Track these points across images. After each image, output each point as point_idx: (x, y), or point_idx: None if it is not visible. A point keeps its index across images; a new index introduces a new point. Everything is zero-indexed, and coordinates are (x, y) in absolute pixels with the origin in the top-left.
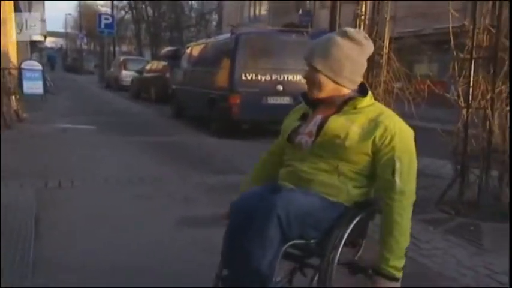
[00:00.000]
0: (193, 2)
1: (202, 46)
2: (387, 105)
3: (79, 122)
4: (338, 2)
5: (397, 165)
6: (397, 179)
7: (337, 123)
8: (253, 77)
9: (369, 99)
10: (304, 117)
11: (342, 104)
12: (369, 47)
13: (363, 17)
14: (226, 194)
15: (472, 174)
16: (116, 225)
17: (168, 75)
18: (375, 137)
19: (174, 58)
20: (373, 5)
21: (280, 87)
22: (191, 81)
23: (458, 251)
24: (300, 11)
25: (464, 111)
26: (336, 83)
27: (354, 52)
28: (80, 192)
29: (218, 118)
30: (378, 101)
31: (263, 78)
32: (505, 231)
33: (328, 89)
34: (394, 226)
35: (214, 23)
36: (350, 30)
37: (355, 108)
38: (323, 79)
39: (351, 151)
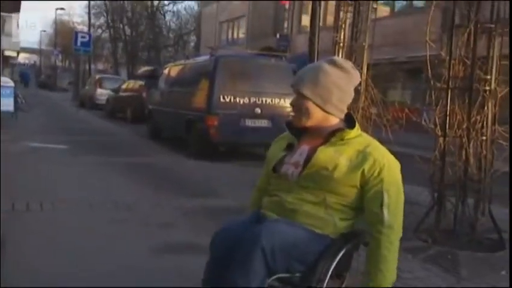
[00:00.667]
0: (171, 23)
1: (180, 67)
2: (365, 130)
3: (51, 141)
4: (317, 28)
5: (385, 198)
6: (385, 212)
7: (325, 154)
8: (232, 99)
9: (356, 130)
10: (289, 147)
11: (329, 135)
12: (356, 77)
13: (341, 44)
14: (203, 219)
15: (448, 203)
16: (86, 251)
17: (144, 95)
18: (363, 169)
19: (151, 78)
20: (351, 32)
21: (259, 110)
22: (168, 102)
23: (437, 280)
24: (278, 36)
25: (441, 140)
26: (324, 110)
27: (342, 81)
28: (49, 216)
29: (195, 140)
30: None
31: (241, 101)
32: (482, 260)
33: (316, 117)
34: (381, 260)
35: (192, 44)
36: (338, 59)
37: (342, 139)
38: (311, 107)
39: (339, 183)
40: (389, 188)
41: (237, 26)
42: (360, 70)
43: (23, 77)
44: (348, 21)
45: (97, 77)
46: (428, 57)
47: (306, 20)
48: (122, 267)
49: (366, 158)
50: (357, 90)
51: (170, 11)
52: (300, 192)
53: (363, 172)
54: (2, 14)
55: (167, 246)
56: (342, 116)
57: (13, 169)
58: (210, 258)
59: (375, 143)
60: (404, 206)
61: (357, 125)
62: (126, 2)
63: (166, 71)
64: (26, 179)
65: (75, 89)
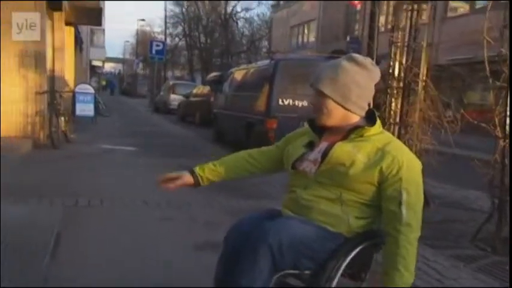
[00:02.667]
0: (244, 29)
1: (243, 71)
2: (423, 133)
3: (122, 144)
4: (376, 30)
5: (404, 196)
6: (404, 210)
7: (342, 150)
8: (291, 102)
9: (377, 127)
10: (310, 145)
11: (349, 132)
12: (376, 73)
13: (399, 44)
14: None
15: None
16: (133, 246)
17: (212, 99)
18: (381, 167)
19: (218, 83)
20: (409, 32)
21: None
22: (231, 106)
23: None
24: (348, 38)
25: (501, 142)
26: (344, 108)
27: (361, 77)
28: (106, 212)
29: (254, 142)
30: (413, 128)
31: (301, 104)
32: None
33: (336, 115)
34: (398, 260)
35: (264, 50)
36: (357, 55)
37: (362, 136)
38: (331, 105)
39: (355, 180)
40: (408, 187)
41: (307, 29)
42: (418, 71)
43: (110, 85)
44: (408, 21)
45: (171, 83)
46: (485, 55)
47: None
48: (164, 263)
49: (385, 155)
50: (415, 91)
51: (243, 18)
52: (316, 188)
53: (380, 170)
54: (91, 27)
55: (208, 244)
56: (363, 113)
57: (82, 169)
58: (221, 253)
59: (396, 142)
60: (461, 212)
61: (379, 122)
62: (201, 11)
63: (230, 76)
64: (91, 178)
65: (151, 95)
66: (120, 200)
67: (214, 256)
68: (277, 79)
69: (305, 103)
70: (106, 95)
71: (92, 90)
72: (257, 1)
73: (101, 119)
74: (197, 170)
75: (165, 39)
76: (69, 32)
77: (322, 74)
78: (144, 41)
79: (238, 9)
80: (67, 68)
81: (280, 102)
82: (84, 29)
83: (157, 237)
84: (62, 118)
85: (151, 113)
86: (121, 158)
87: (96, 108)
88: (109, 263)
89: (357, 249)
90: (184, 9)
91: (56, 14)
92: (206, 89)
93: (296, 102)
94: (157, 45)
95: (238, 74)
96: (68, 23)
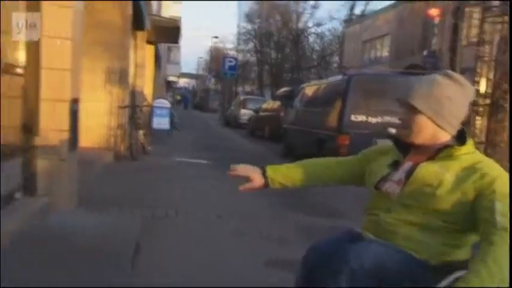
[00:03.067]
0: (315, 44)
1: (314, 87)
2: None
3: (194, 157)
4: (458, 43)
5: (499, 206)
6: (498, 218)
7: (428, 170)
8: (364, 119)
9: (469, 146)
10: (395, 165)
11: (437, 151)
12: (471, 91)
13: (486, 59)
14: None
15: None
16: (206, 260)
17: (281, 114)
18: (473, 184)
19: (289, 98)
20: (498, 46)
21: (393, 130)
22: (301, 121)
23: None
24: (425, 52)
25: None
26: (436, 124)
27: (456, 94)
28: (181, 224)
29: None
30: (502, 148)
31: (374, 120)
32: None
33: (426, 132)
34: (490, 254)
35: (335, 65)
36: (452, 72)
37: (451, 155)
38: (422, 121)
39: (444, 201)
40: (502, 199)
41: (380, 44)
42: (507, 87)
43: (184, 99)
44: (496, 34)
45: (241, 98)
46: None
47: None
48: (236, 278)
49: (476, 171)
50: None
51: (314, 33)
52: (400, 211)
53: (472, 187)
54: (168, 44)
55: (279, 261)
56: (454, 131)
57: (158, 180)
58: (299, 274)
59: (489, 161)
60: None
61: (471, 141)
62: (273, 27)
63: (301, 91)
64: (167, 190)
65: (222, 109)
66: (194, 213)
67: (284, 274)
68: (350, 95)
69: (379, 119)
70: (180, 109)
71: (168, 105)
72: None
73: (176, 133)
74: (269, 171)
75: (237, 54)
76: (150, 49)
77: (414, 89)
78: (217, 57)
79: (310, 24)
80: (146, 84)
81: (353, 118)
82: (162, 46)
83: (230, 251)
84: (141, 131)
85: (222, 126)
86: (194, 171)
87: (171, 122)
88: (183, 276)
89: (448, 280)
90: (256, 26)
91: (139, 34)
92: (276, 104)
93: (369, 119)
94: (230, 61)
95: (309, 90)
96: (148, 42)
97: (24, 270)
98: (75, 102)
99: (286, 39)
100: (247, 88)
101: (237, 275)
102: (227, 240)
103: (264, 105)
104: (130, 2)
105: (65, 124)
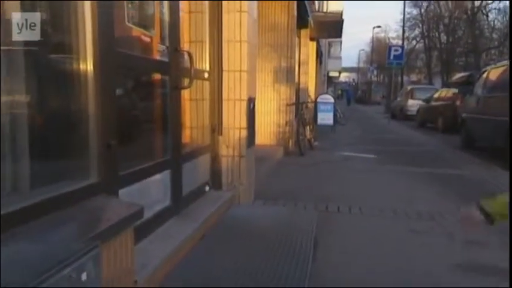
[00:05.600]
0: (495, 22)
1: (502, 69)
2: None
3: (360, 151)
4: None
5: None
6: None
7: None
8: None
9: None
10: None
11: None
12: None
13: None
14: None
15: None
16: (388, 257)
17: (458, 103)
18: None
19: (467, 84)
20: None
21: None
22: (485, 109)
23: None
24: None
25: None
26: None
27: None
28: (356, 219)
29: None
30: None
31: None
32: None
33: None
34: None
35: None
36: None
37: None
38: None
39: None
40: None
41: None
42: None
43: (346, 94)
44: None
45: (409, 88)
46: None
47: None
48: (423, 282)
49: None
50: None
51: (495, 8)
52: None
53: None
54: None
55: (472, 265)
56: None
57: (327, 175)
58: None
59: None
60: None
61: None
62: (443, 9)
63: (484, 75)
64: (337, 184)
65: (387, 101)
66: (367, 208)
67: (487, 281)
68: None
69: None
70: (342, 104)
71: (331, 100)
72: None
73: (339, 128)
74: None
75: (403, 43)
76: (312, 46)
77: None
78: (378, 48)
79: (489, 1)
80: (310, 80)
81: None
82: (323, 42)
83: (408, 251)
84: (307, 127)
85: (388, 119)
86: (362, 165)
87: (334, 116)
88: (361, 271)
89: None
90: (423, 10)
91: (303, 31)
92: (451, 92)
93: None
94: (396, 50)
95: (495, 72)
96: (311, 38)
97: (211, 256)
98: (251, 101)
99: (458, 20)
100: (413, 77)
101: (421, 277)
102: (407, 238)
103: (436, 95)
104: (295, 2)
105: (244, 122)
